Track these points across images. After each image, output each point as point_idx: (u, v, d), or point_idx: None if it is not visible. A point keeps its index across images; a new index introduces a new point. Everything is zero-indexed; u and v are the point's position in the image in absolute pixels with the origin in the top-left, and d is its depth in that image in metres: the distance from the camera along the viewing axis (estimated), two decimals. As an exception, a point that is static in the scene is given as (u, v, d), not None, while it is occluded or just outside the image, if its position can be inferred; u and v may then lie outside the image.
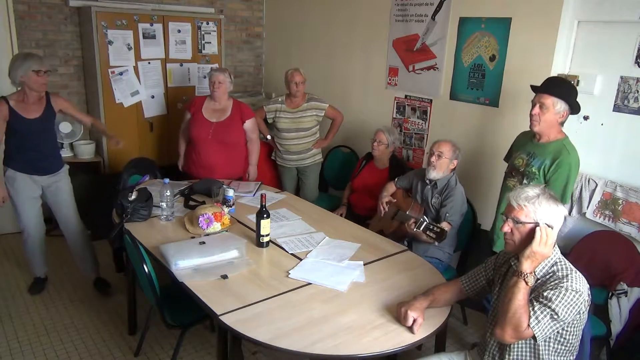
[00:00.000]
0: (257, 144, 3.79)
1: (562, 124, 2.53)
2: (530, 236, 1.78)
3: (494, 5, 3.29)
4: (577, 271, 1.79)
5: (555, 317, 1.70)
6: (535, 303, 1.73)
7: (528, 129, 2.63)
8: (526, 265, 1.76)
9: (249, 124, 3.67)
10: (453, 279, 2.32)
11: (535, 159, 2.56)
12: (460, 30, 3.52)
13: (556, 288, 1.71)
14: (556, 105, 2.45)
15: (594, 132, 2.96)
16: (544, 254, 1.77)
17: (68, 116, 3.27)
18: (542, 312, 1.71)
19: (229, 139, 3.61)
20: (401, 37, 3.95)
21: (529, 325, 1.71)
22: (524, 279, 1.74)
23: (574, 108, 2.50)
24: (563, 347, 1.80)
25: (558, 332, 1.76)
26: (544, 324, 1.70)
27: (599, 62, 2.90)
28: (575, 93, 2.54)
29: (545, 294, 1.72)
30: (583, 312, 1.75)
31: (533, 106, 2.51)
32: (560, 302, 1.69)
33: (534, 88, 2.57)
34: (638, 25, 2.70)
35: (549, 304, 1.70)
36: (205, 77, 4.54)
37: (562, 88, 2.49)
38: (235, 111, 3.63)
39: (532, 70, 2.99)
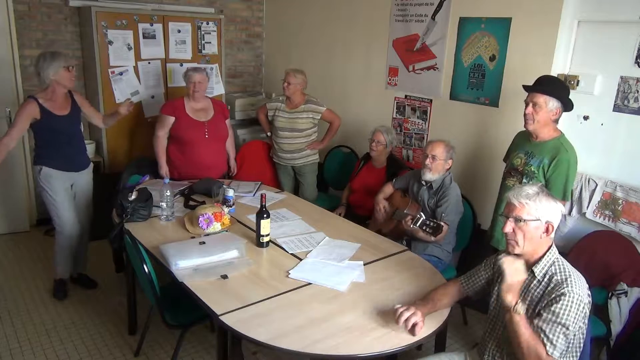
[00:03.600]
0: (233, 139, 3.93)
1: (556, 121, 2.55)
2: (533, 234, 1.79)
3: (494, 5, 3.29)
4: (575, 272, 1.80)
5: (567, 332, 1.70)
6: (543, 324, 1.72)
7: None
8: (509, 299, 1.76)
9: (228, 121, 3.78)
10: (453, 279, 2.32)
11: (533, 158, 2.59)
12: (460, 30, 3.52)
13: (560, 300, 1.71)
14: (549, 103, 2.48)
15: (594, 132, 2.96)
16: (520, 281, 1.79)
17: (83, 113, 3.32)
18: (554, 334, 1.70)
19: (221, 135, 3.68)
20: (401, 37, 3.95)
21: (547, 353, 1.70)
22: (515, 313, 1.74)
23: (567, 105, 2.52)
24: (567, 348, 1.81)
25: None
26: (560, 344, 1.71)
27: (599, 62, 2.90)
28: (567, 90, 2.58)
29: (552, 308, 1.71)
30: (587, 316, 1.77)
31: (526, 106, 2.54)
32: (568, 315, 1.69)
33: (526, 88, 2.60)
34: (638, 25, 2.70)
35: (558, 319, 1.70)
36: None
37: (554, 86, 2.52)
38: (217, 109, 3.69)
39: (532, 70, 2.99)
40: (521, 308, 1.74)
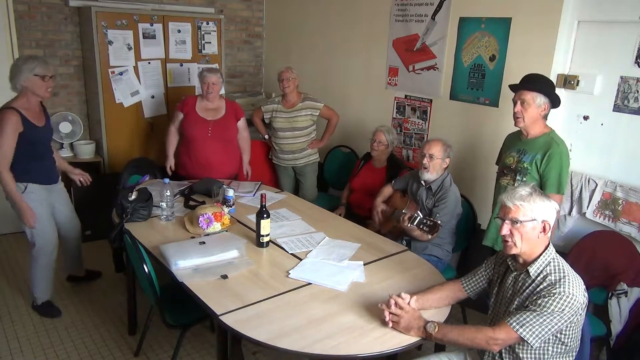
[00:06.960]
0: (249, 141, 3.88)
1: (545, 117, 2.60)
2: (530, 234, 1.80)
3: (494, 5, 3.29)
4: (572, 272, 1.80)
5: (546, 320, 1.71)
6: (520, 312, 1.77)
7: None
8: (414, 333, 1.87)
9: (242, 122, 3.76)
10: (453, 279, 2.32)
11: (525, 155, 2.62)
12: (460, 30, 3.52)
13: (547, 296, 1.73)
14: (536, 99, 2.53)
15: (594, 132, 2.96)
16: (411, 317, 1.88)
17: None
18: (527, 317, 1.74)
19: (227, 136, 3.67)
20: (401, 37, 3.95)
21: (510, 325, 1.74)
22: (430, 335, 1.84)
23: (554, 101, 2.57)
24: (564, 347, 1.81)
25: (556, 336, 1.78)
26: (532, 325, 1.73)
27: (599, 62, 2.90)
28: (553, 86, 2.63)
29: (539, 302, 1.74)
30: (580, 314, 1.76)
31: (514, 104, 2.59)
32: (552, 306, 1.71)
33: (512, 87, 2.64)
34: (638, 25, 2.70)
35: (539, 309, 1.73)
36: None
37: (539, 83, 2.57)
38: (229, 109, 3.69)
39: (532, 70, 2.97)
40: (431, 327, 1.83)
